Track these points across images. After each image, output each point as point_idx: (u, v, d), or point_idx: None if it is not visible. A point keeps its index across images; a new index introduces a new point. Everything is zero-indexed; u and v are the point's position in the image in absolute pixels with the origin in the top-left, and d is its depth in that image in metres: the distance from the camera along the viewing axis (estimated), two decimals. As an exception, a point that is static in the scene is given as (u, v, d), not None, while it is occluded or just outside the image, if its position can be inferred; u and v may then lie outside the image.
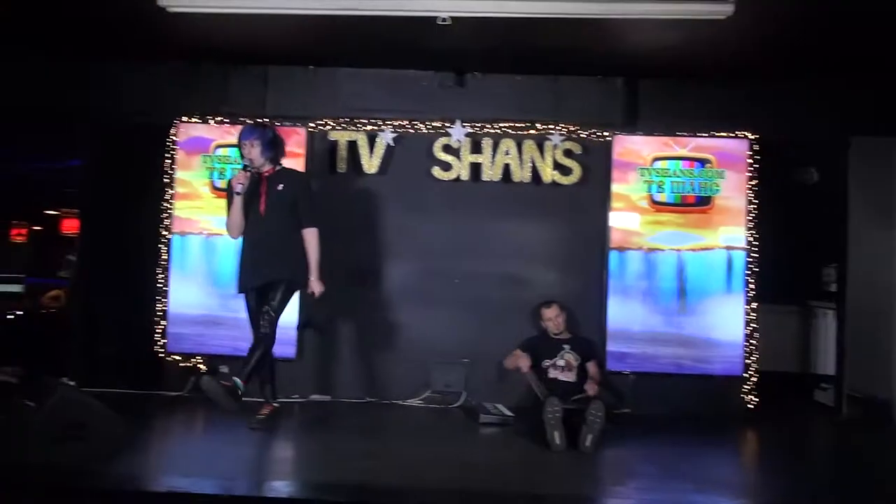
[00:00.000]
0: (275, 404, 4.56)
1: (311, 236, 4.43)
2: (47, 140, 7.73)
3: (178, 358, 5.45)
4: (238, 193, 4.34)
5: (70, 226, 11.49)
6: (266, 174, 4.42)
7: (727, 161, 5.41)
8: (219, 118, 5.55)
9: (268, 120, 5.49)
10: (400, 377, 5.45)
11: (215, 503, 3.14)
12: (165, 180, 5.53)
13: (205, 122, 5.55)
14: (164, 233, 5.50)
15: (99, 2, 4.42)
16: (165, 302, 5.47)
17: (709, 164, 5.42)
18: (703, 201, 5.41)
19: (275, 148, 4.45)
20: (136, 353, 5.80)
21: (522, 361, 4.83)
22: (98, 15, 4.66)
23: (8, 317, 7.29)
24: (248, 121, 5.49)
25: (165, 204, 5.52)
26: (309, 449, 4.31)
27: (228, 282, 5.39)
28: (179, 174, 5.53)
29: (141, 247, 5.72)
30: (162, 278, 5.49)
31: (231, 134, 5.50)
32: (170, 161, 5.53)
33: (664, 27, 4.40)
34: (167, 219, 5.50)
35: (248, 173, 4.35)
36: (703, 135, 5.44)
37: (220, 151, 5.53)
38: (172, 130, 5.54)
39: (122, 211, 5.98)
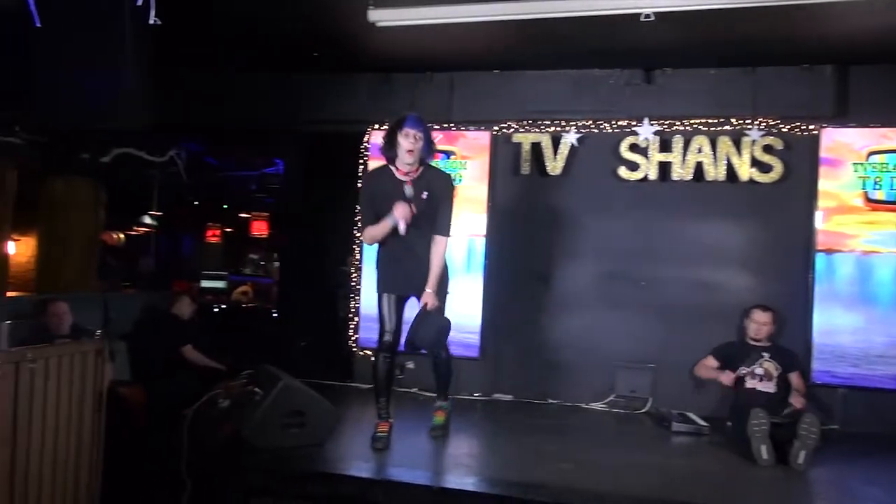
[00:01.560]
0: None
1: (442, 245, 3.96)
2: (250, 150, 8.50)
3: (369, 352, 5.74)
4: (399, 231, 3.88)
5: (259, 228, 12.53)
6: (412, 176, 3.94)
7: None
8: (407, 124, 5.78)
9: (453, 125, 5.69)
10: (584, 380, 5.39)
11: (426, 493, 3.26)
12: (358, 185, 5.84)
13: (394, 128, 5.80)
14: (356, 234, 5.81)
15: (313, 18, 4.75)
16: (358, 300, 5.78)
17: (936, 157, 4.87)
18: (929, 198, 4.87)
19: (430, 146, 4.00)
20: (327, 348, 6.21)
21: (724, 377, 4.56)
22: (310, 30, 5.01)
23: (214, 310, 8.07)
24: (436, 126, 5.71)
25: (357, 207, 5.83)
26: (502, 448, 4.36)
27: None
28: (371, 178, 5.81)
29: (335, 248, 6.12)
30: (355, 277, 5.80)
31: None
32: (363, 166, 5.84)
33: (883, 8, 3.99)
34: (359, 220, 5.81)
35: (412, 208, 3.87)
36: (930, 124, 4.90)
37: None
38: (365, 138, 5.84)
39: (319, 213, 6.44)
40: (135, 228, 10.80)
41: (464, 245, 5.56)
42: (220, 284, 8.86)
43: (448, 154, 5.69)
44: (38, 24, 3.59)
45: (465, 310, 5.51)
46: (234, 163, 9.24)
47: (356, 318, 5.79)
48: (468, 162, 5.65)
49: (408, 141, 3.81)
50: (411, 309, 4.10)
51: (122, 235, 10.82)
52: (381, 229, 3.91)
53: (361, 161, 5.86)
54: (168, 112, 5.93)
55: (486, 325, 5.52)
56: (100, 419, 3.43)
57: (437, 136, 5.65)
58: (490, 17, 4.20)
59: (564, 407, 5.30)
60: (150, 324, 6.08)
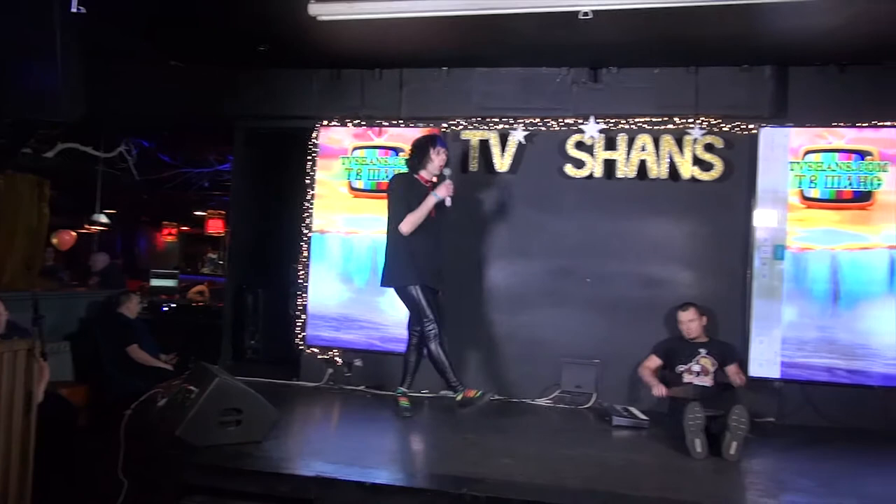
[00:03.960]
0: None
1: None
2: (200, 146, 8.37)
3: (316, 350, 5.71)
4: (445, 203, 4.62)
5: (215, 226, 12.36)
6: (432, 183, 4.68)
7: (892, 152, 4.97)
8: (357, 121, 5.76)
9: (402, 122, 5.68)
10: (529, 376, 5.42)
11: (359, 490, 3.25)
12: (307, 181, 5.80)
13: (344, 125, 5.78)
14: (304, 231, 5.77)
15: (252, 12, 4.70)
16: (305, 297, 5.73)
17: (869, 157, 4.99)
18: (863, 197, 5.00)
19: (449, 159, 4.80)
20: (277, 346, 6.16)
21: (656, 390, 4.65)
22: (250, 24, 4.96)
23: (163, 309, 7.94)
24: (385, 123, 5.72)
25: (306, 204, 5.79)
26: (444, 443, 4.36)
27: (364, 278, 5.64)
28: (319, 175, 5.78)
29: (285, 245, 6.07)
30: (302, 275, 5.76)
31: (368, 136, 5.72)
32: (311, 163, 5.80)
33: (822, 9, 4.10)
34: (307, 218, 5.77)
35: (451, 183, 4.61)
36: (864, 125, 5.02)
37: (357, 153, 5.74)
38: (314, 134, 5.80)
39: (266, 211, 6.38)
40: (86, 227, 10.57)
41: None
42: (170, 283, 8.71)
43: (397, 151, 5.68)
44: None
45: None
46: (187, 159, 9.09)
47: (304, 316, 5.74)
48: (417, 159, 5.64)
49: (440, 158, 4.66)
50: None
51: (73, 233, 10.58)
52: (424, 208, 4.54)
53: (310, 158, 5.82)
54: (111, 106, 5.88)
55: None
56: (29, 420, 3.35)
57: (385, 133, 5.69)
58: (427, 13, 4.21)
59: (510, 403, 5.32)
60: (96, 323, 5.98)
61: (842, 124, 5.05)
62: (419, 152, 4.69)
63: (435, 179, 4.68)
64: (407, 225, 4.54)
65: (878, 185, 4.98)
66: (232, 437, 3.77)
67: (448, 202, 4.62)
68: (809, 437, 4.66)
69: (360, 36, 4.99)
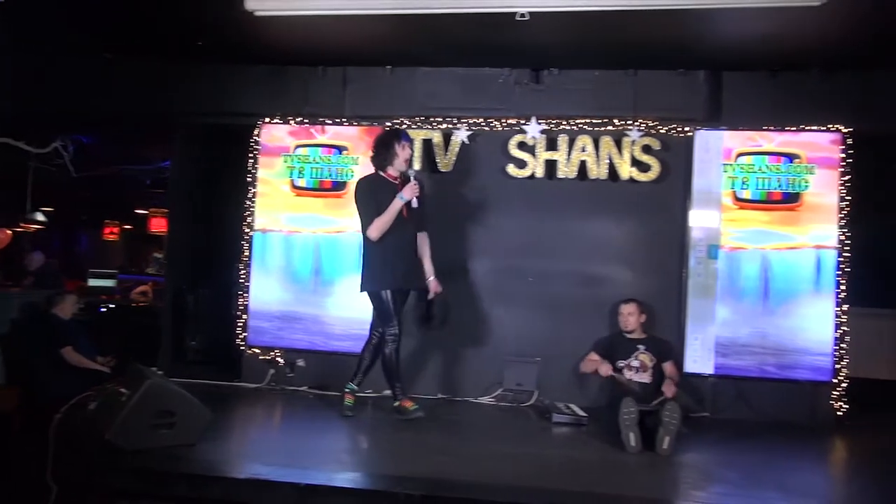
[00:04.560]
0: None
1: (427, 239, 4.78)
2: (141, 142, 8.16)
3: (257, 351, 5.63)
4: (412, 204, 4.55)
5: (158, 224, 12.06)
6: (399, 181, 4.61)
7: (818, 156, 5.16)
8: (299, 119, 5.71)
9: (345, 121, 5.65)
10: (472, 375, 5.46)
11: (294, 491, 3.22)
12: (248, 179, 5.72)
13: (286, 122, 5.71)
14: (246, 230, 5.69)
15: (190, 4, 4.61)
16: (247, 297, 5.66)
17: (797, 160, 5.18)
18: (791, 198, 5.18)
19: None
20: (219, 346, 6.05)
21: (603, 368, 4.71)
22: (187, 19, 4.87)
23: (101, 310, 7.72)
24: (328, 121, 5.67)
25: (248, 202, 5.71)
26: (384, 443, 4.37)
27: (307, 277, 5.59)
28: (261, 173, 5.71)
29: (226, 244, 5.97)
30: (244, 274, 5.68)
31: (310, 133, 5.67)
32: (252, 161, 5.71)
33: (753, 16, 4.23)
34: (249, 216, 5.69)
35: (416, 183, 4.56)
36: (792, 129, 5.21)
37: (300, 151, 5.68)
38: (256, 131, 5.72)
39: (208, 209, 6.27)
40: (22, 225, 10.20)
41: (355, 243, 5.52)
42: (108, 283, 8.47)
43: (340, 149, 5.65)
44: None
45: (357, 307, 5.49)
46: (128, 156, 8.85)
47: (245, 316, 5.66)
48: (361, 157, 5.61)
49: (405, 152, 4.62)
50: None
51: (8, 232, 10.19)
52: (390, 213, 4.48)
53: (252, 156, 5.73)
54: (42, 100, 5.70)
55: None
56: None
57: (329, 131, 5.65)
58: (362, 11, 4.19)
59: (453, 402, 5.35)
60: (29, 324, 5.78)
61: (772, 128, 5.22)
62: (383, 148, 4.63)
63: (399, 177, 4.61)
64: (374, 231, 4.50)
65: (806, 186, 5.17)
66: (164, 439, 3.68)
67: (415, 203, 4.56)
68: (740, 431, 4.81)
69: (303, 33, 4.95)
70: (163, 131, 6.59)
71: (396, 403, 4.63)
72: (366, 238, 4.57)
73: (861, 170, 5.17)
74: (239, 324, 5.67)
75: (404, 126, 5.60)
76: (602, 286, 5.40)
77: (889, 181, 5.79)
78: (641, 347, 4.84)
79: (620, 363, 4.83)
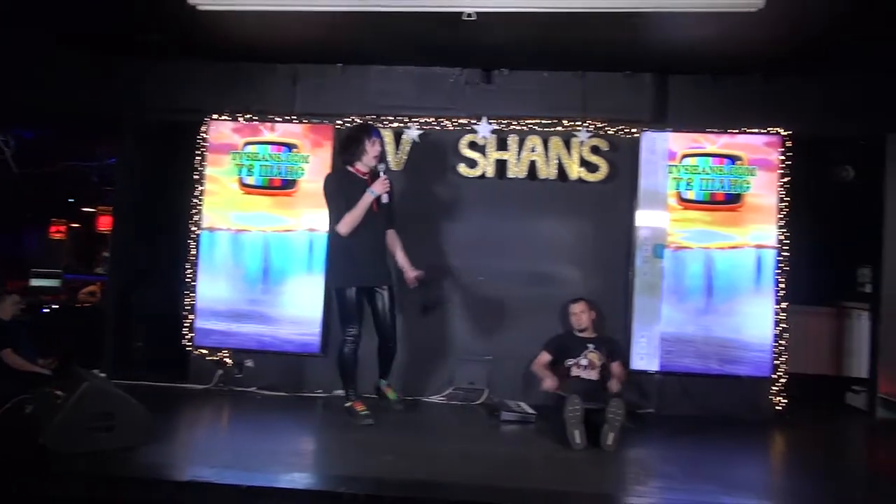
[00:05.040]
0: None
1: (396, 235, 4.83)
2: (87, 138, 7.94)
3: (204, 352, 5.54)
4: (382, 199, 4.51)
5: (107, 223, 11.75)
6: (368, 177, 4.58)
7: (758, 158, 5.31)
8: (248, 116, 5.63)
9: (295, 118, 5.60)
10: (424, 374, 5.46)
11: (236, 494, 3.18)
12: (195, 177, 5.62)
13: (235, 119, 5.63)
14: (193, 228, 5.59)
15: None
16: (193, 297, 5.56)
17: (739, 161, 5.32)
18: (733, 199, 5.31)
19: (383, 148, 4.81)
20: (165, 347, 5.93)
21: (547, 383, 4.74)
22: (133, 12, 4.76)
23: (43, 310, 7.50)
24: (277, 118, 5.61)
25: (195, 200, 5.61)
26: (331, 443, 4.35)
27: (256, 277, 5.52)
28: (209, 171, 5.61)
29: (172, 243, 5.85)
30: (190, 273, 5.58)
31: (260, 130, 5.60)
32: (200, 158, 5.62)
33: (696, 21, 4.33)
34: (196, 215, 5.60)
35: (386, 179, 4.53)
36: (734, 131, 5.34)
37: (249, 148, 5.60)
38: (203, 128, 5.62)
39: (154, 207, 6.13)
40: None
41: (305, 240, 5.50)
42: (53, 283, 8.23)
43: (290, 147, 5.59)
44: None
45: (307, 307, 5.46)
46: (74, 152, 8.60)
47: (192, 316, 5.56)
48: (311, 156, 5.57)
49: (374, 148, 4.57)
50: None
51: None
52: (360, 208, 4.43)
53: (199, 153, 5.64)
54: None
55: (327, 322, 5.47)
56: None
57: (279, 129, 5.59)
58: (305, 8, 4.16)
59: (404, 401, 5.33)
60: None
61: (715, 130, 5.35)
62: (353, 144, 4.59)
63: (369, 172, 4.58)
64: (345, 226, 4.46)
65: (747, 188, 5.31)
66: (103, 443, 3.61)
67: (385, 198, 4.53)
68: (685, 427, 4.91)
69: (252, 29, 4.88)
70: (110, 127, 6.43)
71: (348, 405, 4.60)
72: (334, 234, 4.53)
73: (799, 172, 5.33)
74: (185, 324, 5.57)
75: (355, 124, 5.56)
76: (552, 285, 5.45)
77: (826, 183, 5.98)
78: (591, 346, 4.92)
79: (569, 361, 4.90)
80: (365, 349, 4.69)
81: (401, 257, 4.79)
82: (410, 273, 4.76)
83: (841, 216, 5.93)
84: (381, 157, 4.66)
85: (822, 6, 4.07)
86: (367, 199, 4.45)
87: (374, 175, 4.57)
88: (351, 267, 4.53)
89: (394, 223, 4.79)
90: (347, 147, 4.62)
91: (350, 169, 4.61)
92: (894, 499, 3.71)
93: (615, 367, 4.90)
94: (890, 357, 5.33)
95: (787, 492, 3.91)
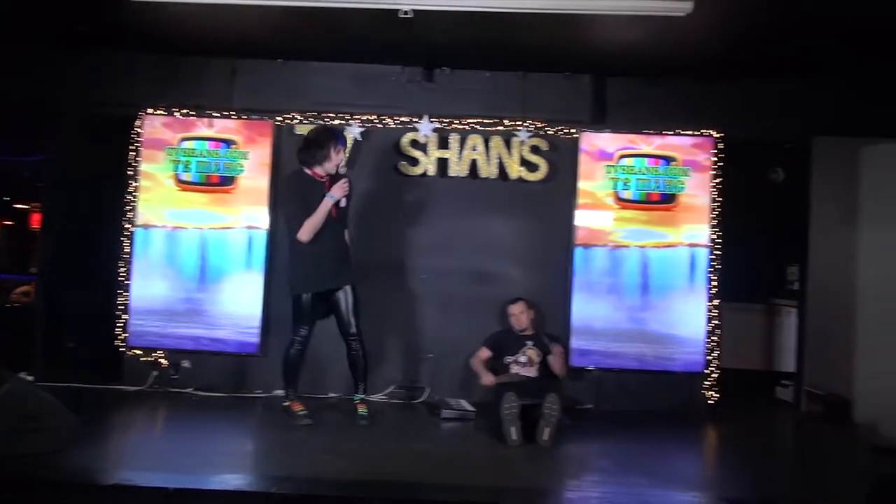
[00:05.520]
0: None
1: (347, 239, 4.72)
2: (20, 132, 7.64)
3: (139, 352, 5.40)
4: (340, 205, 4.48)
5: (40, 220, 11.35)
6: (327, 180, 4.51)
7: (692, 159, 5.46)
8: (185, 111, 5.51)
9: (234, 114, 5.51)
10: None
11: (160, 496, 3.11)
12: (130, 173, 5.47)
13: (170, 114, 5.50)
14: (126, 226, 5.44)
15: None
16: (127, 296, 5.41)
17: (674, 162, 5.46)
18: (668, 199, 5.45)
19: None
20: (98, 348, 5.75)
21: (485, 378, 4.79)
22: (64, 3, 4.61)
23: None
24: (215, 114, 5.51)
25: (129, 197, 5.46)
26: (268, 443, 4.31)
27: (192, 275, 5.42)
28: (144, 167, 5.48)
29: (105, 240, 5.68)
30: (124, 272, 5.43)
31: (197, 126, 5.49)
32: (134, 153, 5.47)
33: (628, 24, 4.41)
34: (130, 212, 5.45)
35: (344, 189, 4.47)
36: (669, 133, 5.47)
37: (186, 144, 5.49)
38: (137, 122, 5.48)
39: (87, 204, 5.94)
40: None
41: (243, 238, 5.42)
42: (-21, 282, 7.90)
43: (228, 143, 5.49)
44: None
45: (245, 305, 5.38)
46: (4, 148, 8.27)
47: (125, 316, 5.41)
48: (250, 152, 5.48)
49: (338, 157, 4.50)
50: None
51: None
52: (320, 214, 4.37)
53: (134, 148, 5.49)
54: None
55: (266, 321, 5.40)
56: None
57: (217, 125, 5.49)
58: (240, 1, 4.09)
59: (345, 399, 5.28)
60: None
61: (650, 132, 5.47)
62: (317, 147, 4.46)
63: (327, 176, 4.50)
64: (305, 233, 4.38)
65: (682, 188, 5.45)
66: (27, 446, 3.48)
67: (343, 202, 4.49)
68: (621, 421, 5.01)
69: (189, 21, 4.77)
70: (41, 121, 6.21)
71: (286, 404, 4.56)
72: (295, 240, 4.44)
73: (732, 173, 5.50)
74: (119, 324, 5.42)
75: (296, 121, 5.51)
76: (494, 284, 5.49)
77: (758, 184, 6.19)
78: (529, 343, 4.98)
79: (508, 358, 4.95)
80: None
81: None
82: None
83: (772, 217, 6.14)
84: (342, 163, 4.59)
85: (747, 14, 4.20)
86: (326, 204, 4.38)
87: (333, 178, 4.50)
88: (312, 272, 4.45)
89: (347, 226, 4.68)
90: (309, 150, 4.49)
91: (307, 171, 4.50)
92: (815, 487, 3.85)
93: (555, 350, 4.95)
94: (815, 352, 5.54)
95: (714, 482, 4.04)
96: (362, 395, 4.64)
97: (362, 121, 5.51)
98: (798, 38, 4.59)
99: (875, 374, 5.20)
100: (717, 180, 5.44)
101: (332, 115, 5.51)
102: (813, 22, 4.31)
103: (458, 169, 5.49)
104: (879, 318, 5.25)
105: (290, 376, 4.58)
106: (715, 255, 5.40)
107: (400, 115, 5.51)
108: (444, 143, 5.51)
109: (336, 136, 4.56)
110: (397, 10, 4.00)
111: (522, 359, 4.93)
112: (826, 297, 5.52)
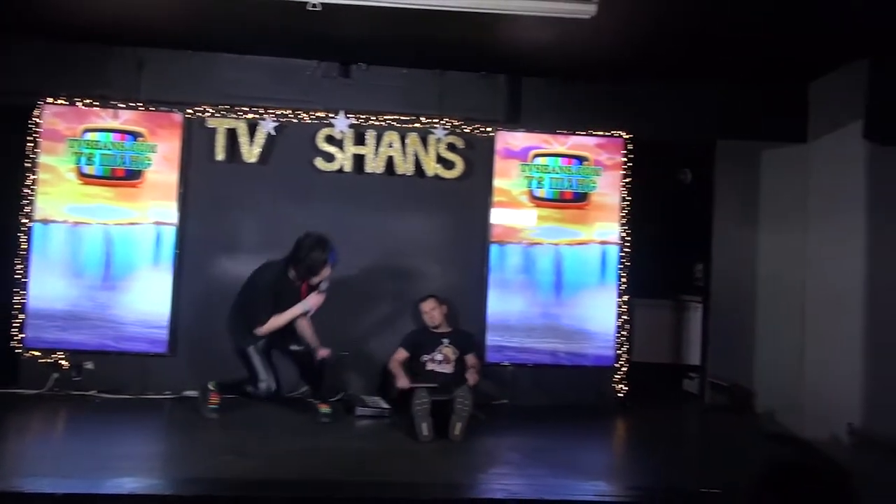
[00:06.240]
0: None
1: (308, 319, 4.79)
2: None
3: (37, 353, 5.13)
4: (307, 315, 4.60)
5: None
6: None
7: (603, 159, 5.60)
8: (87, 101, 5.27)
9: (141, 105, 5.31)
10: (279, 371, 5.29)
11: (49, 502, 2.96)
12: (27, 165, 5.20)
13: (72, 104, 5.26)
14: (24, 221, 5.17)
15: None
16: (24, 294, 5.14)
17: (586, 162, 5.59)
18: (580, 197, 5.58)
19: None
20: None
21: (401, 382, 4.78)
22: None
23: None
24: (121, 105, 5.30)
25: (27, 190, 5.19)
26: (174, 445, 4.18)
27: (95, 273, 5.20)
28: (43, 159, 5.21)
29: (1, 236, 5.38)
30: (21, 269, 5.15)
31: (101, 117, 5.26)
32: (32, 145, 5.20)
33: (539, 25, 4.46)
34: (28, 206, 5.18)
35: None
36: (581, 133, 5.61)
37: (89, 136, 5.25)
38: (36, 112, 5.21)
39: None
40: None
41: (151, 234, 5.23)
42: None
43: (135, 136, 5.29)
44: None
45: (153, 302, 5.20)
46: None
47: (22, 316, 5.13)
48: (158, 145, 5.30)
49: (325, 272, 4.53)
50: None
51: None
52: (285, 319, 4.47)
53: (32, 139, 5.21)
54: None
55: (175, 319, 5.23)
56: None
57: (123, 116, 5.28)
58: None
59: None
60: None
61: (564, 132, 5.59)
62: (308, 262, 4.47)
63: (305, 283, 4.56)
64: (265, 329, 4.43)
65: (593, 187, 5.59)
66: None
67: (311, 313, 4.60)
68: (534, 416, 5.11)
69: (89, 7, 4.56)
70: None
71: (210, 388, 4.61)
72: (252, 323, 4.45)
73: (643, 173, 5.67)
74: (15, 325, 5.13)
75: (207, 114, 5.35)
76: (410, 280, 5.49)
77: (667, 184, 6.41)
78: (445, 341, 5.00)
79: (425, 357, 4.96)
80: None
81: (310, 335, 4.72)
82: (320, 352, 4.72)
83: (680, 216, 6.36)
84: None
85: (650, 19, 4.33)
86: (295, 311, 4.48)
87: (310, 286, 4.57)
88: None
89: None
90: (305, 263, 4.48)
91: (290, 274, 4.54)
92: (715, 472, 4.01)
93: (470, 359, 5.00)
94: (719, 346, 5.79)
95: (620, 471, 4.16)
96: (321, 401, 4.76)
97: (277, 115, 5.41)
98: (700, 43, 4.76)
99: (774, 365, 5.49)
100: (627, 180, 5.61)
101: (245, 108, 5.39)
102: (712, 30, 4.48)
103: (374, 165, 5.46)
104: (778, 312, 5.55)
105: (235, 391, 4.61)
106: (625, 252, 5.57)
107: (316, 110, 5.44)
108: (360, 140, 5.47)
109: (332, 254, 4.57)
110: (305, 3, 3.92)
111: (438, 357, 4.95)
112: (728, 293, 5.78)
